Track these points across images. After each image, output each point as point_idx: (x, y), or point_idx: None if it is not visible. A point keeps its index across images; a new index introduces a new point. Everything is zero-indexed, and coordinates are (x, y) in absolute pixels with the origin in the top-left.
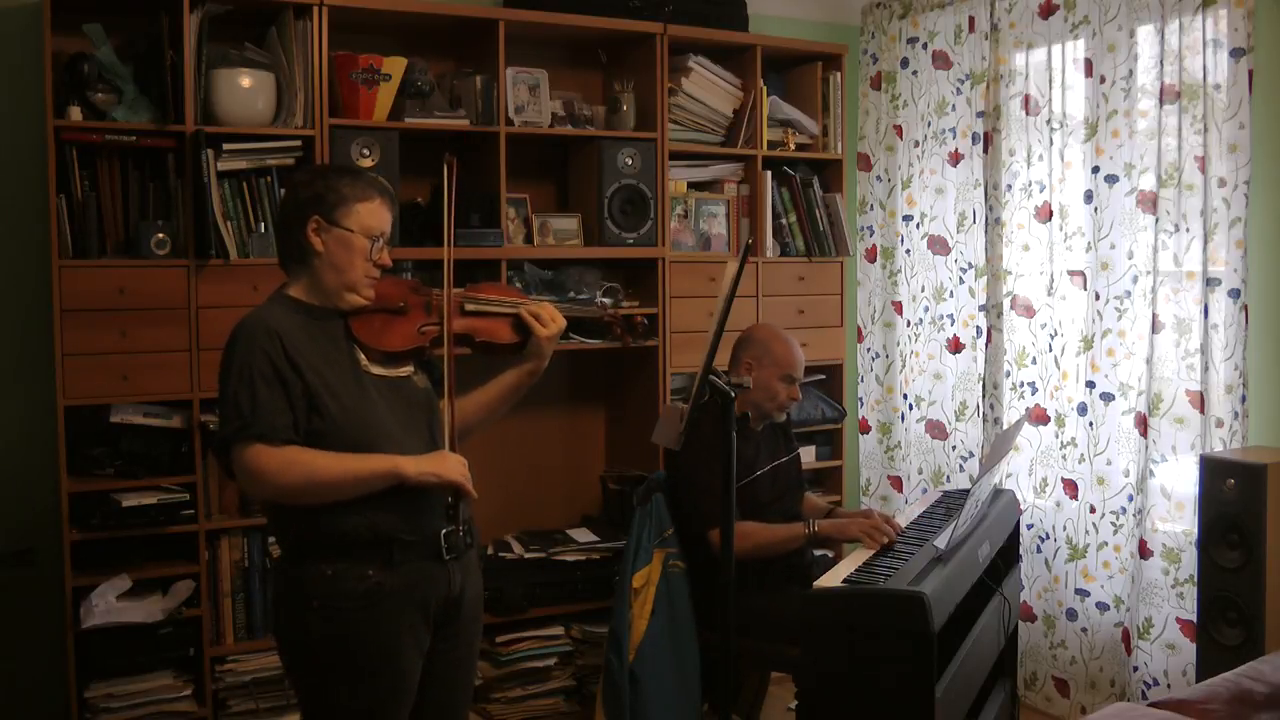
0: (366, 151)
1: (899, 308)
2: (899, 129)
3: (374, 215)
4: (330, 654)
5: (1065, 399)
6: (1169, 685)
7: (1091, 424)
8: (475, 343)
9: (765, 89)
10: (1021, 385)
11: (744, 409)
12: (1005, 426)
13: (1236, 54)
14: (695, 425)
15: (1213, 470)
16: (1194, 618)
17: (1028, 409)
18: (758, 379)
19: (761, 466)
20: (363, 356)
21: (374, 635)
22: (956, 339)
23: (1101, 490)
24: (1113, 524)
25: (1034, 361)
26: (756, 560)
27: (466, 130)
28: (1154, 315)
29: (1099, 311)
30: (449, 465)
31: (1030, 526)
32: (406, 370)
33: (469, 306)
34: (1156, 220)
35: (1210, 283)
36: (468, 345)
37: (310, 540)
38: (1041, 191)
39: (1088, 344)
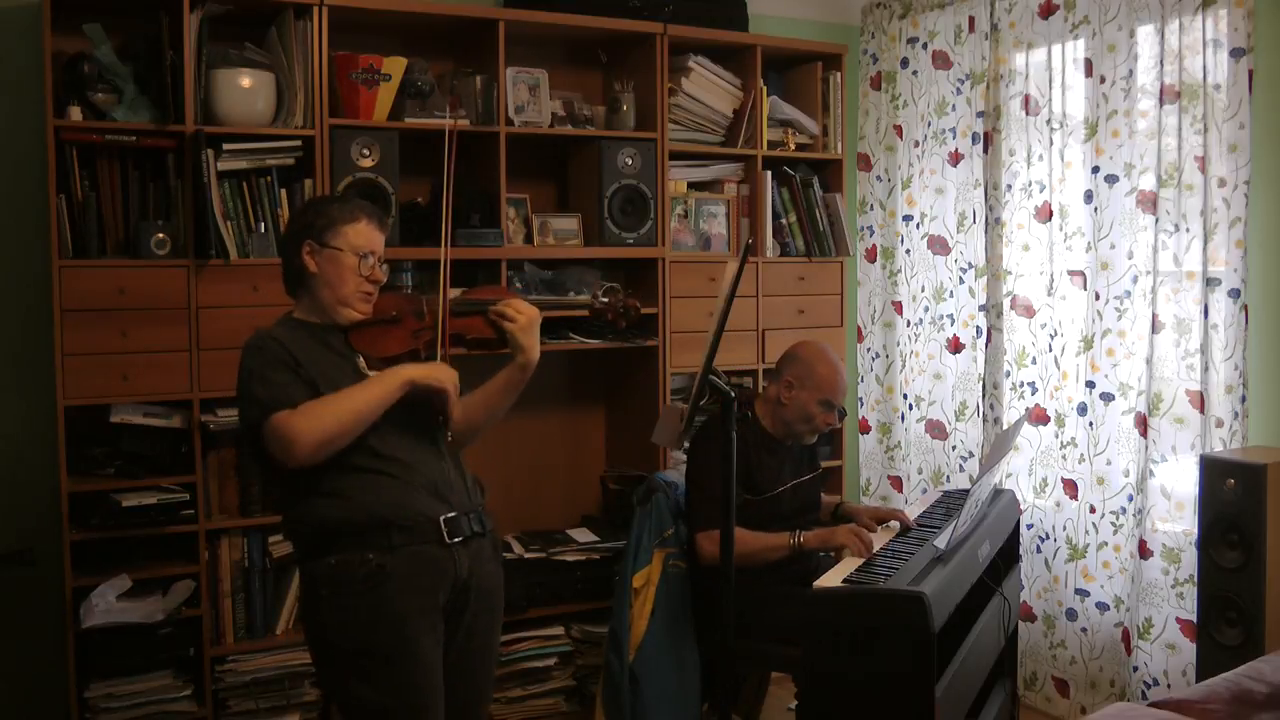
0: (366, 152)
1: (899, 308)
2: (899, 129)
3: (361, 235)
4: (344, 642)
5: (1065, 399)
6: (1169, 685)
7: (1091, 424)
8: (468, 340)
9: (765, 89)
10: (1021, 385)
11: (776, 427)
12: (1005, 426)
13: (1236, 54)
14: (708, 430)
15: (1213, 470)
16: (1194, 618)
17: (1028, 409)
18: (795, 398)
19: (785, 483)
20: (362, 362)
21: (381, 619)
22: (956, 339)
23: (1101, 490)
24: (1113, 524)
25: (1034, 361)
26: (744, 567)
27: (466, 130)
28: (1154, 315)
29: (1099, 311)
30: (443, 372)
31: (1030, 526)
32: None
33: (458, 307)
34: (1156, 220)
35: (1210, 283)
36: (462, 344)
37: (315, 534)
38: (1041, 191)
39: (1088, 344)
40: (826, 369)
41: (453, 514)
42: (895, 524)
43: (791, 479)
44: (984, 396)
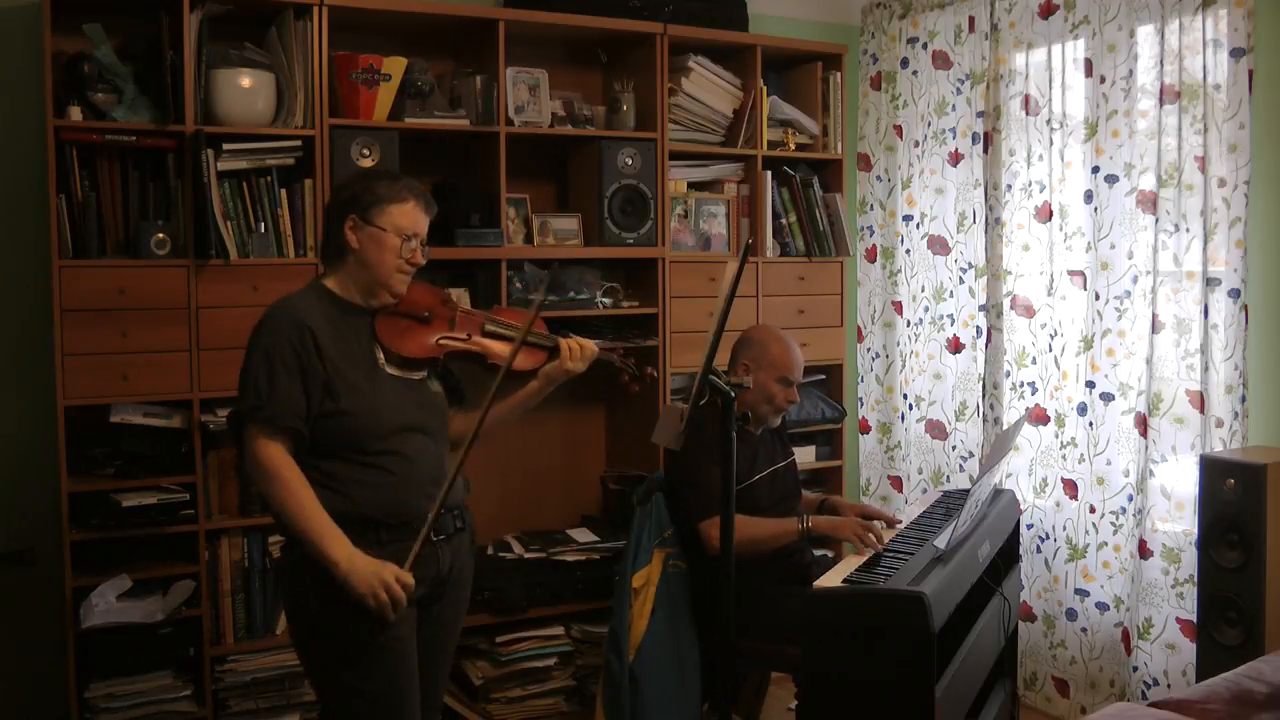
0: (366, 152)
1: (899, 308)
2: (899, 129)
3: (406, 215)
4: (329, 629)
5: (1065, 399)
6: (1169, 685)
7: (1091, 424)
8: (486, 364)
9: (765, 89)
10: (1021, 385)
11: (741, 411)
12: (1005, 426)
13: (1236, 54)
14: (697, 426)
15: (1213, 470)
16: (1194, 618)
17: (1028, 409)
18: (755, 381)
19: (760, 471)
20: (381, 355)
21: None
22: (956, 339)
23: (1101, 490)
24: (1112, 524)
25: (1034, 361)
26: (753, 557)
27: (466, 130)
28: (1154, 315)
29: (1099, 311)
30: (370, 576)
31: (1030, 526)
32: (420, 375)
33: (488, 328)
34: (1156, 220)
35: (1210, 283)
36: (478, 364)
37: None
38: (1041, 191)
39: (1088, 344)
40: (779, 348)
41: (441, 511)
42: (881, 524)
43: (766, 467)
44: (984, 396)
